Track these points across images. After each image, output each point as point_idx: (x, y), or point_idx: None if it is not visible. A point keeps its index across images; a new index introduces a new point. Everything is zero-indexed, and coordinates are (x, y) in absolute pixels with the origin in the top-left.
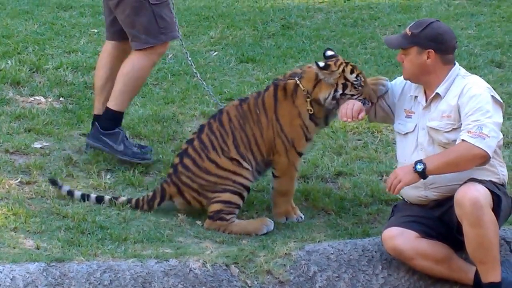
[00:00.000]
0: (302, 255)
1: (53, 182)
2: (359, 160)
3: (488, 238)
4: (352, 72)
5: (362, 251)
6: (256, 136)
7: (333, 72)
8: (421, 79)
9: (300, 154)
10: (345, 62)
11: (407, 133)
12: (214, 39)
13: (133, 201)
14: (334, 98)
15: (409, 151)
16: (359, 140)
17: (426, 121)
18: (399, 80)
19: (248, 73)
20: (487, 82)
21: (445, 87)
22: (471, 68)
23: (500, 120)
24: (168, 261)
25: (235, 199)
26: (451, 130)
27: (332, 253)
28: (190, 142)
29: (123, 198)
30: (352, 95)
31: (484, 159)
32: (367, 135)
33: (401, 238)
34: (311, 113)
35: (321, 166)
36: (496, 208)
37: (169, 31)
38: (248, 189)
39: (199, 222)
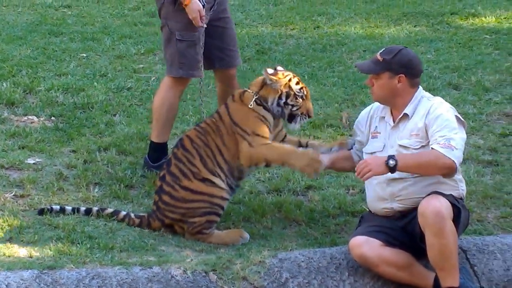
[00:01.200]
0: (275, 263)
1: (41, 212)
2: (328, 175)
3: (448, 247)
4: (297, 83)
5: (330, 258)
6: (219, 146)
7: (280, 79)
8: (389, 101)
9: (264, 137)
10: (293, 75)
11: (374, 152)
12: None
13: (120, 215)
14: (278, 104)
15: None
16: None
17: (396, 139)
18: (361, 117)
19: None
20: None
21: (412, 108)
22: (430, 90)
23: (465, 136)
24: (152, 268)
25: (213, 217)
26: (420, 148)
27: (302, 261)
28: (162, 178)
29: (109, 210)
30: (293, 105)
31: (451, 169)
32: None
33: (366, 246)
34: (253, 105)
35: (292, 180)
36: (456, 219)
37: (188, 69)
38: (224, 206)
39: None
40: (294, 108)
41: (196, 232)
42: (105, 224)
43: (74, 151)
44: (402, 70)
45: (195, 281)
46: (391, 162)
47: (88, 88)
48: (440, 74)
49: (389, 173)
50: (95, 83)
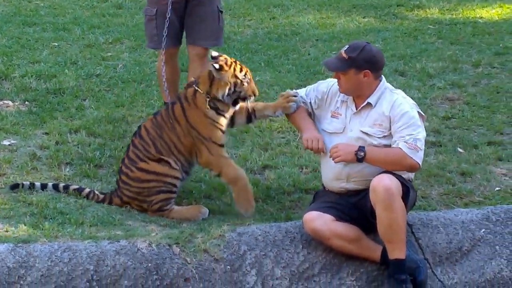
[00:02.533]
0: (234, 236)
1: (13, 187)
2: (283, 155)
3: (397, 221)
4: (240, 70)
5: (285, 232)
6: (174, 141)
7: (226, 71)
8: (355, 93)
9: (221, 145)
10: (234, 61)
11: (334, 132)
12: (158, 51)
13: (85, 191)
14: (228, 95)
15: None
16: (282, 138)
17: (358, 125)
18: (321, 87)
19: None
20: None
21: (376, 98)
22: None
23: (425, 134)
24: (119, 241)
25: (168, 195)
26: (382, 137)
27: (259, 235)
28: (122, 161)
29: (74, 187)
30: (240, 91)
31: (414, 169)
32: (290, 133)
33: (319, 221)
34: (208, 110)
35: (250, 160)
36: (405, 197)
37: (148, 41)
38: (177, 185)
39: None
40: (242, 93)
41: (157, 209)
42: (76, 201)
43: (46, 133)
44: (366, 66)
45: (160, 254)
46: (360, 154)
47: (59, 74)
48: (388, 61)
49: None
50: (66, 70)
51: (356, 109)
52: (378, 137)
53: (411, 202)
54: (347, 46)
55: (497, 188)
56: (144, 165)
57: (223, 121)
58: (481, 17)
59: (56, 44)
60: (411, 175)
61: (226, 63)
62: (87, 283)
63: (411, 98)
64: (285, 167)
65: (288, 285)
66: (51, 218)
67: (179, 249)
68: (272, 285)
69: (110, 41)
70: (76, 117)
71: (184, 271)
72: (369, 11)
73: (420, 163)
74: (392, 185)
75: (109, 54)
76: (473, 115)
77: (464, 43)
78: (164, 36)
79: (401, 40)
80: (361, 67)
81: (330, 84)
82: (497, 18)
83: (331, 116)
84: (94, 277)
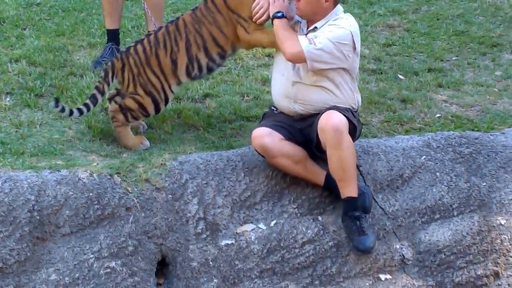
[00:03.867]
0: (176, 165)
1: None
2: (224, 83)
3: (346, 159)
4: None
5: (227, 161)
6: (214, 35)
7: None
8: (311, 17)
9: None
10: None
11: None
12: None
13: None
14: None
15: (290, 66)
16: (224, 66)
17: None
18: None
19: (128, 9)
20: None
21: (322, 22)
22: None
23: (337, 53)
24: (60, 171)
25: (150, 109)
26: None
27: (201, 163)
28: (148, 35)
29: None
30: None
31: (297, 56)
32: (231, 62)
33: (268, 137)
34: None
35: (191, 89)
36: (352, 133)
37: None
38: (166, 102)
39: (87, 138)
40: None
41: (123, 112)
42: (16, 131)
43: None
44: None
45: (101, 183)
46: (278, 15)
47: None
48: None
49: (296, 77)
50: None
51: (306, 31)
52: None
53: (357, 135)
54: None
55: (437, 115)
56: (162, 56)
57: None
58: None
59: None
60: (358, 104)
61: None
62: (28, 213)
63: None
64: (226, 95)
65: (230, 213)
66: None
67: (120, 179)
68: (214, 213)
69: None
70: (16, 46)
71: (125, 201)
72: None
73: (307, 55)
74: (340, 124)
75: None
76: (414, 42)
77: None
78: None
79: None
80: None
81: None
82: None
83: None
84: (36, 207)
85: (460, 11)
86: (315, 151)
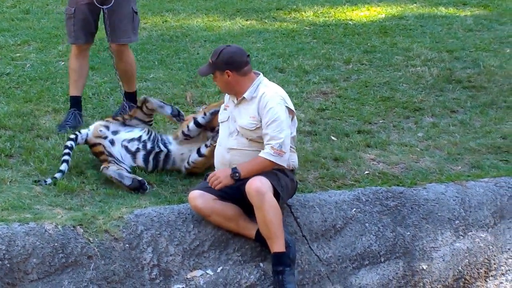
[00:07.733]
0: (132, 218)
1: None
2: None
3: (269, 218)
4: None
5: (178, 214)
6: None
7: None
8: (232, 91)
9: None
10: None
11: (222, 121)
12: (62, 52)
13: None
14: None
15: (225, 136)
16: (175, 128)
17: (238, 118)
18: None
19: (89, 78)
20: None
21: (250, 92)
22: None
23: (290, 131)
24: (28, 224)
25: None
26: (255, 129)
27: (155, 216)
28: None
29: None
30: None
31: (276, 164)
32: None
33: (200, 199)
34: None
35: None
36: (278, 195)
37: (68, 37)
38: None
39: (53, 193)
40: None
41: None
42: None
43: None
44: (226, 66)
45: (65, 234)
46: (236, 175)
47: None
48: (268, 59)
49: (230, 144)
50: None
51: (236, 101)
52: (251, 130)
53: (288, 194)
54: (212, 52)
55: (366, 172)
56: None
57: None
58: (351, 19)
59: None
60: (294, 164)
61: None
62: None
63: (289, 92)
64: None
65: (181, 261)
66: None
67: (82, 230)
68: (167, 261)
69: (18, 43)
70: None
71: (87, 250)
72: (251, 14)
73: (285, 164)
74: (262, 187)
75: (18, 54)
76: (345, 107)
77: (336, 43)
78: (77, 33)
79: (280, 40)
80: (222, 68)
81: None
82: (365, 20)
83: (224, 109)
84: (6, 256)
85: (386, 79)
86: (251, 203)
